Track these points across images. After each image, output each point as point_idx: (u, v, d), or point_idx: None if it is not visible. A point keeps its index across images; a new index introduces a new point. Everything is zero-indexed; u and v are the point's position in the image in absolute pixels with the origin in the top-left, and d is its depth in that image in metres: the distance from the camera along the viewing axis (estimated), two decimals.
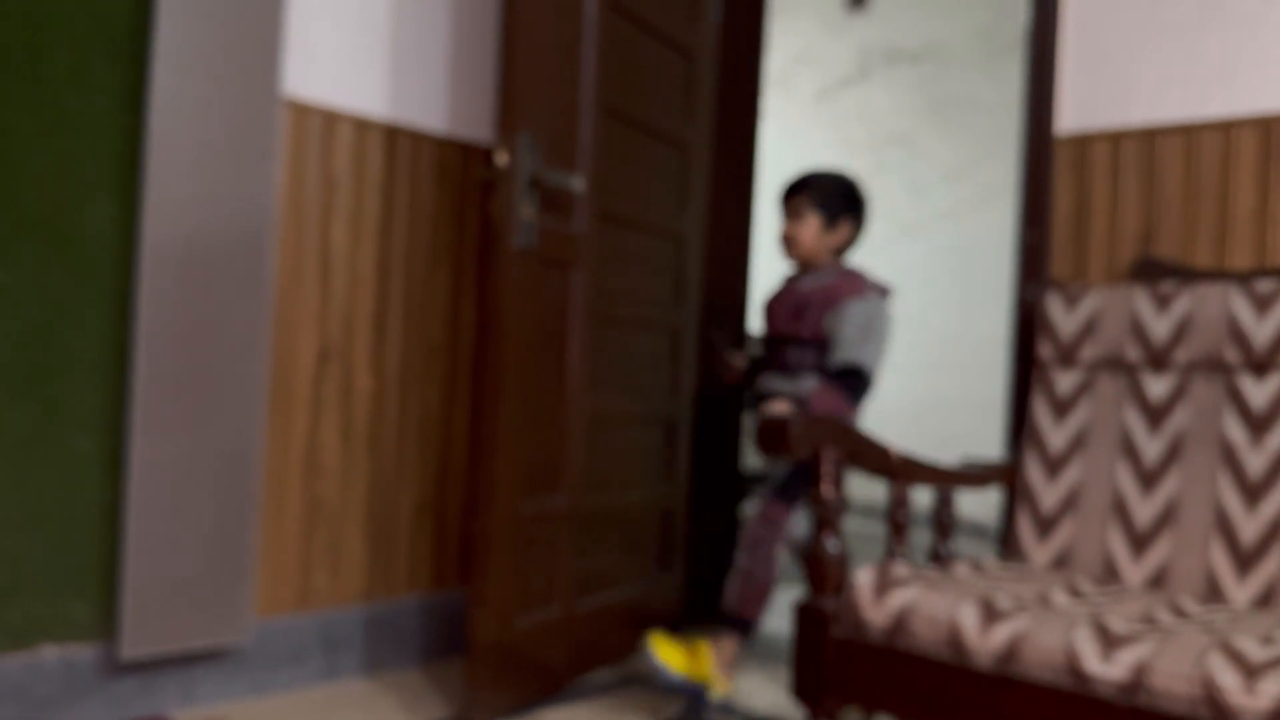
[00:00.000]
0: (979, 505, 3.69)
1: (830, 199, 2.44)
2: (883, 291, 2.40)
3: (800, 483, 2.35)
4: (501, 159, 2.09)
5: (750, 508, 2.44)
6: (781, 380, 2.44)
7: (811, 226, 2.43)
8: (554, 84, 2.20)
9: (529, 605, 2.23)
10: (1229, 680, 1.32)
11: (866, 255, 5.78)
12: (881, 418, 5.44)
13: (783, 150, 5.48)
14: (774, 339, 2.49)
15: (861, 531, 4.23)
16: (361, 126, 2.37)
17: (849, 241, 2.48)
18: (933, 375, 5.52)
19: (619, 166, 2.42)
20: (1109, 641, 1.43)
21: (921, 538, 2.11)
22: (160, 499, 2.03)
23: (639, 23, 2.51)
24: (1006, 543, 2.09)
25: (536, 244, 2.16)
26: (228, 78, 2.10)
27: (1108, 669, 1.41)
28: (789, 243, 2.47)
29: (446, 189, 2.55)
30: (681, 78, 2.76)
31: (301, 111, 2.27)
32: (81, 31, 1.96)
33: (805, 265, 2.48)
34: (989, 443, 4.59)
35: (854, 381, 2.31)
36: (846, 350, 2.31)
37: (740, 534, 2.48)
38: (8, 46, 1.88)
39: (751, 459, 3.39)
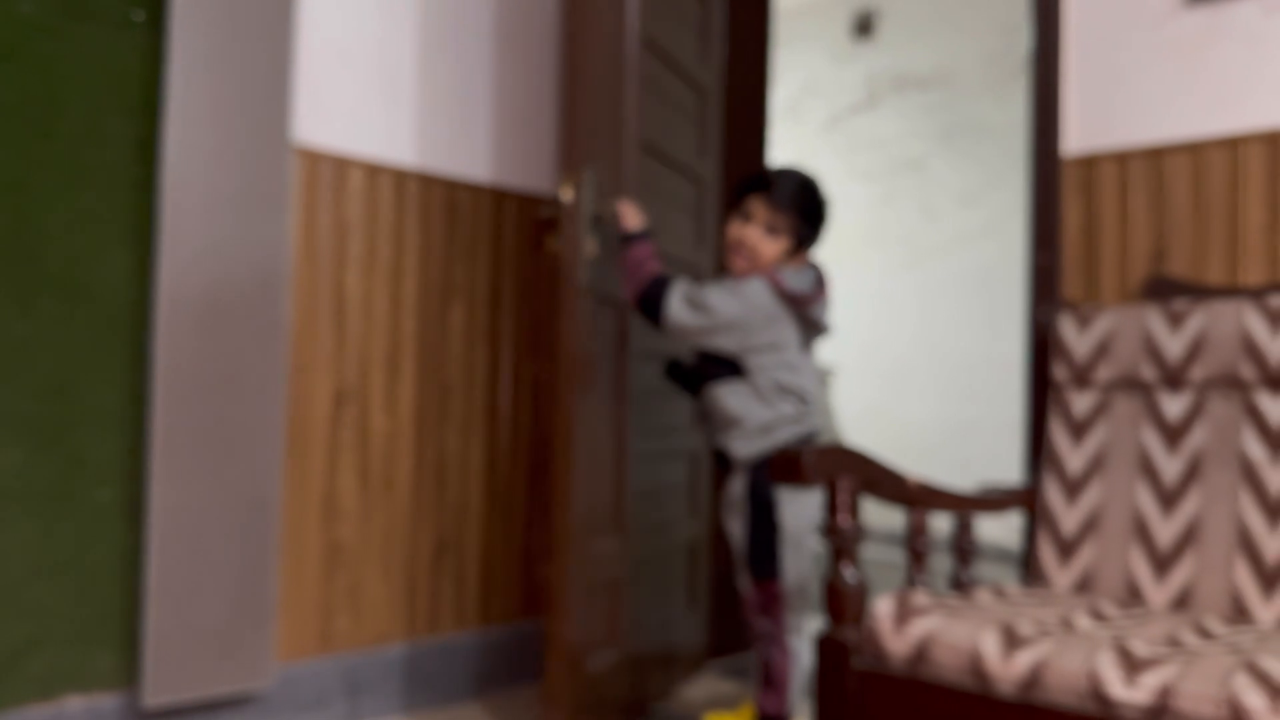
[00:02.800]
0: (1002, 529, 3.66)
1: (810, 223, 2.22)
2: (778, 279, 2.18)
3: (762, 542, 2.20)
4: (567, 195, 2.08)
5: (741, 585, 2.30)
6: (703, 392, 2.26)
7: (780, 246, 2.20)
8: (605, 121, 2.22)
9: (595, 648, 2.21)
10: (1255, 701, 1.30)
11: (884, 282, 5.81)
12: (902, 443, 5.44)
13: None
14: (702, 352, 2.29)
15: (884, 559, 4.20)
16: (372, 171, 2.40)
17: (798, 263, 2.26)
18: (953, 400, 5.50)
19: (650, 201, 2.43)
20: (1132, 665, 1.41)
21: (943, 563, 2.09)
22: (180, 547, 2.04)
23: (666, 59, 2.54)
24: (1028, 567, 2.07)
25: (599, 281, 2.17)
26: (239, 127, 2.13)
27: (1132, 693, 1.39)
28: (746, 251, 2.21)
29: (458, 230, 2.57)
30: (695, 112, 2.79)
31: (313, 159, 2.30)
32: (95, 86, 2.00)
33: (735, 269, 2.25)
34: (1011, 466, 4.56)
35: (658, 289, 2.14)
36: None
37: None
38: (25, 104, 1.92)
39: None
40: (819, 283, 2.23)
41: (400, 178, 2.46)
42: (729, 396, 2.19)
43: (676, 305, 2.13)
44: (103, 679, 1.99)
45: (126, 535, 2.02)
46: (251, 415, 2.13)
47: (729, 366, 2.20)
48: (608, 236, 2.21)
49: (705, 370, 2.24)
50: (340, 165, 2.35)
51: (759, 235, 2.20)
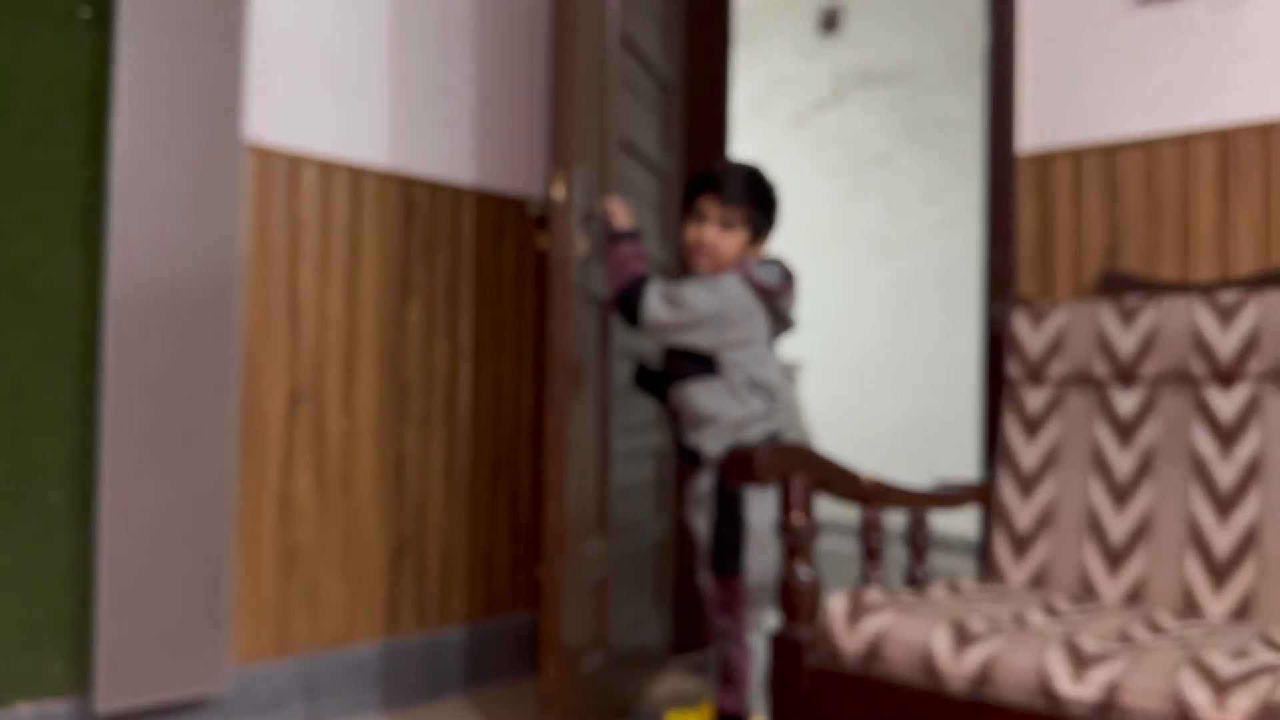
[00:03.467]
0: (964, 521, 3.68)
1: (763, 211, 2.24)
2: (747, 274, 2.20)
3: (726, 539, 2.20)
4: (559, 192, 2.07)
5: (702, 580, 2.29)
6: (673, 391, 2.27)
7: (738, 240, 2.22)
8: (591, 120, 2.21)
9: (586, 649, 2.21)
10: (1199, 696, 1.31)
11: (850, 277, 5.83)
12: (867, 437, 5.46)
13: None
14: (669, 349, 2.28)
15: (845, 551, 4.21)
16: (327, 169, 2.38)
17: (760, 253, 2.29)
18: (915, 394, 5.53)
19: (623, 198, 2.42)
20: (1081, 661, 1.42)
21: (903, 555, 2.10)
22: (133, 549, 2.02)
23: (638, 55, 2.54)
24: (984, 562, 2.08)
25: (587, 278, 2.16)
26: (190, 125, 2.11)
27: (1080, 689, 1.40)
28: (705, 250, 2.22)
29: (415, 228, 2.55)
30: (659, 107, 2.80)
31: (265, 156, 2.27)
32: (42, 85, 1.97)
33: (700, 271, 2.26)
34: (972, 460, 4.58)
35: (638, 288, 2.15)
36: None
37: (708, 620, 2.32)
38: None
39: None
40: (786, 277, 2.26)
41: (355, 175, 2.44)
42: (702, 395, 2.20)
43: (654, 303, 2.14)
44: (53, 685, 1.97)
45: (77, 538, 1.99)
46: (204, 416, 2.11)
47: (700, 364, 2.20)
48: (595, 235, 2.21)
49: (676, 369, 2.25)
50: (293, 163, 2.32)
51: (716, 233, 2.21)
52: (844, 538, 4.61)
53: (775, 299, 2.22)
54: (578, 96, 2.11)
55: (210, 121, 2.13)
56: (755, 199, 2.23)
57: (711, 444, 2.20)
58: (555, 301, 2.08)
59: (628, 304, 2.17)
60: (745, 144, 5.42)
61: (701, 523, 2.24)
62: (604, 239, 2.25)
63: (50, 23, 1.98)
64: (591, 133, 2.20)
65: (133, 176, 2.03)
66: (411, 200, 2.55)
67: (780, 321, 2.28)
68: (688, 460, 2.28)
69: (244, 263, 2.22)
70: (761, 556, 2.20)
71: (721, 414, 2.19)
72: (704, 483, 2.23)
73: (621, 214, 2.25)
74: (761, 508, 2.18)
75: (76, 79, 2.01)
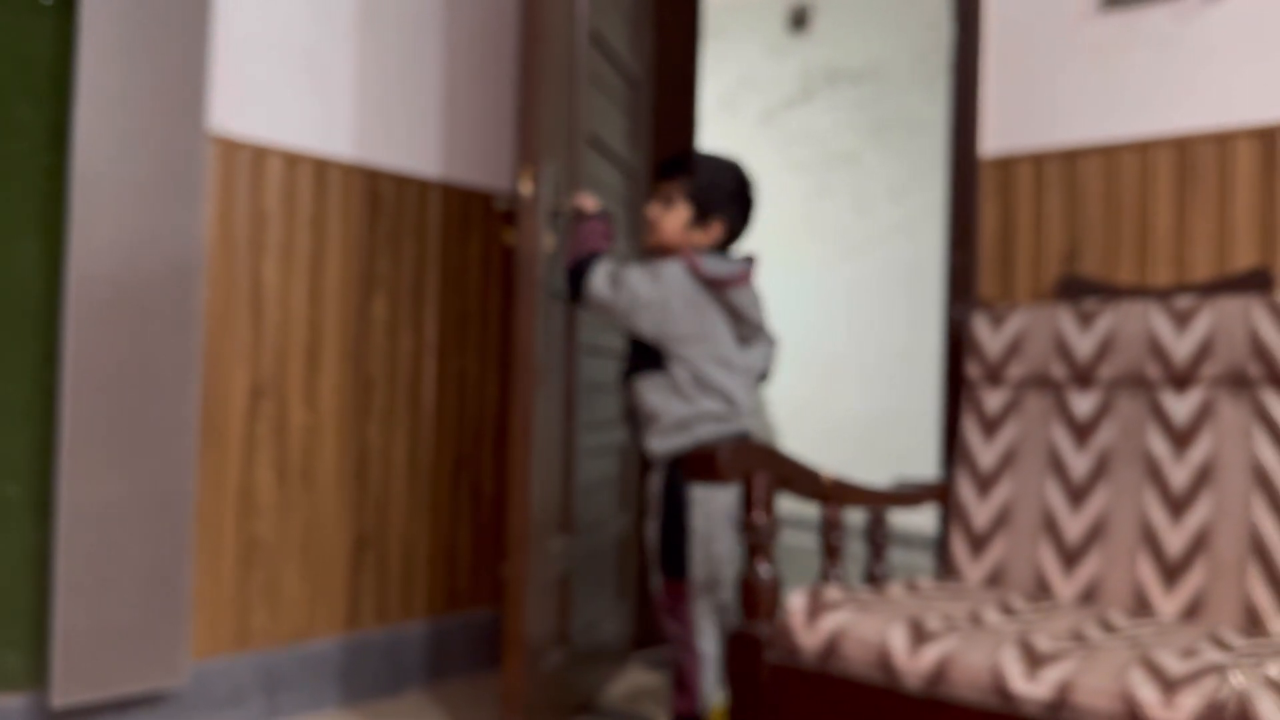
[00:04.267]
0: (925, 517, 3.72)
1: (707, 191, 2.21)
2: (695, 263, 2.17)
3: (672, 541, 2.20)
4: (526, 188, 2.07)
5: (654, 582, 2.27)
6: (626, 385, 2.27)
7: (678, 217, 2.21)
8: (560, 116, 2.21)
9: (549, 646, 2.21)
10: (1148, 695, 1.34)
11: (819, 275, 5.85)
12: (829, 434, 5.49)
13: None
14: (632, 343, 2.27)
15: (806, 546, 4.24)
16: (291, 160, 2.37)
17: (723, 243, 2.25)
18: (879, 392, 5.57)
19: (591, 194, 2.42)
20: (1034, 660, 1.45)
21: (863, 551, 2.12)
22: (90, 543, 2.00)
23: (607, 53, 2.54)
24: (941, 561, 2.11)
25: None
26: (153, 115, 2.09)
27: (1033, 687, 1.42)
28: (648, 226, 2.26)
29: (381, 220, 2.54)
30: (628, 104, 2.79)
31: (229, 147, 2.26)
32: (2, 73, 1.94)
33: (654, 255, 2.26)
34: (934, 458, 4.63)
35: (589, 262, 2.15)
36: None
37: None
38: None
39: None
40: (742, 270, 2.20)
41: (320, 167, 2.42)
42: (647, 390, 2.19)
43: (599, 280, 2.13)
44: (9, 680, 1.95)
45: (34, 532, 1.98)
46: (164, 408, 2.10)
47: (650, 359, 2.19)
48: (561, 231, 2.21)
49: (631, 363, 2.24)
50: (258, 154, 2.31)
51: (657, 209, 2.24)
52: (803, 532, 4.63)
53: (724, 289, 2.16)
54: (546, 92, 2.11)
55: (174, 111, 2.11)
56: (688, 169, 2.22)
57: (655, 442, 2.19)
58: (521, 297, 2.08)
59: (575, 277, 2.15)
60: (714, 141, 5.42)
61: (651, 525, 2.24)
62: (571, 224, 2.24)
63: (10, 9, 1.95)
64: (560, 129, 2.20)
65: (94, 166, 2.01)
66: (377, 192, 2.54)
67: (739, 319, 2.20)
68: (646, 460, 2.28)
69: (206, 254, 2.21)
70: (706, 558, 2.17)
71: (664, 411, 2.16)
72: (654, 484, 2.22)
73: (590, 203, 2.24)
74: (706, 510, 2.16)
75: (37, 66, 1.98)
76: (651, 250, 2.26)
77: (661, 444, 2.18)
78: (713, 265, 2.17)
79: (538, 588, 2.11)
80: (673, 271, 2.15)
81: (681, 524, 2.18)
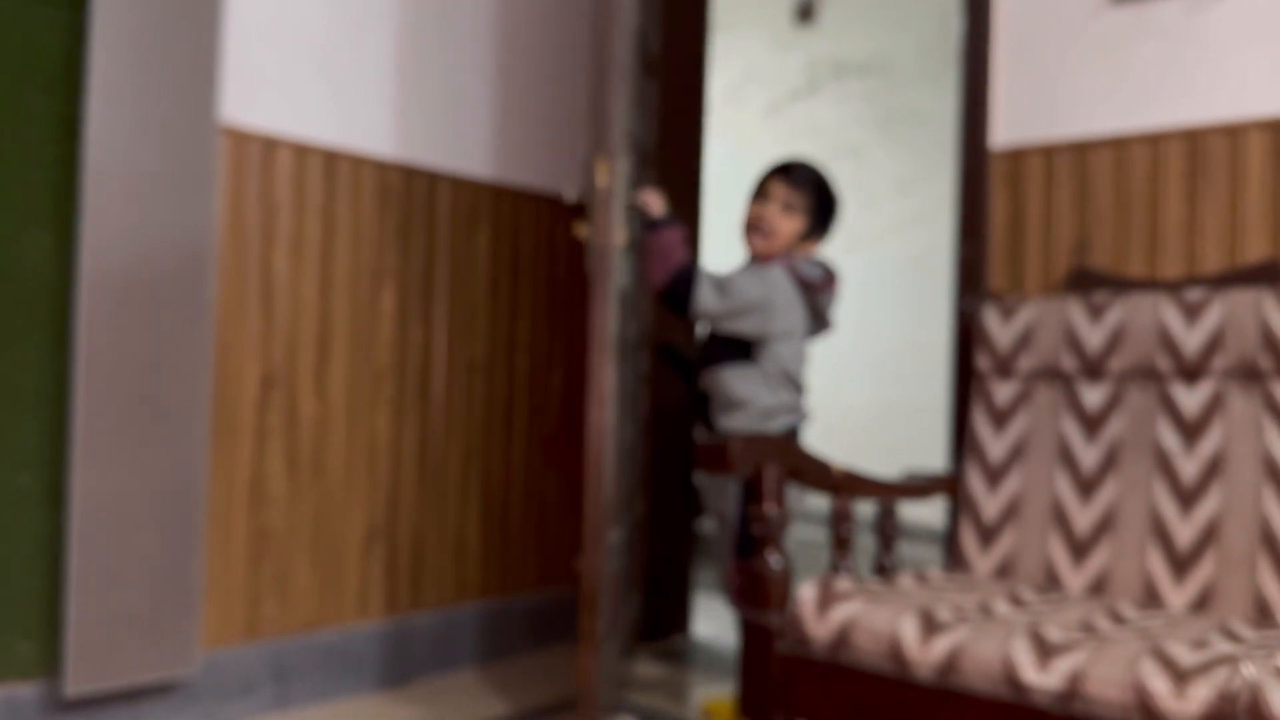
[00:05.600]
0: (932, 511, 3.72)
1: (827, 209, 2.36)
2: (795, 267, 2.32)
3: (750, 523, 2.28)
4: (602, 178, 2.09)
5: (708, 526, 2.39)
6: (707, 374, 2.35)
7: (795, 226, 2.33)
8: (627, 109, 2.22)
9: (609, 640, 2.21)
10: (1159, 686, 1.34)
11: None
12: (837, 426, 5.49)
13: (735, 165, 5.52)
14: (713, 335, 2.38)
15: (811, 539, 4.25)
16: (301, 152, 2.37)
17: (806, 256, 2.39)
18: (886, 385, 5.57)
19: None
20: (1045, 650, 1.45)
21: (872, 544, 2.13)
22: (103, 532, 2.01)
23: (642, 47, 2.55)
24: (950, 552, 2.11)
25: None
26: (163, 106, 2.09)
27: (1044, 678, 1.43)
28: (761, 228, 2.33)
29: (390, 212, 2.55)
30: (641, 94, 2.79)
31: (240, 138, 2.26)
32: (13, 62, 1.95)
33: (756, 258, 2.37)
34: (942, 451, 4.63)
35: (688, 277, 2.24)
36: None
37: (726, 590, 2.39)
38: None
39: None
40: (828, 274, 2.36)
41: (330, 158, 2.43)
42: (736, 380, 2.29)
43: (707, 292, 2.24)
44: (22, 668, 1.96)
45: (47, 521, 1.98)
46: (176, 398, 2.10)
47: (737, 351, 2.29)
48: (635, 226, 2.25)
49: (714, 354, 2.33)
50: (268, 145, 2.31)
51: (776, 212, 2.34)
52: (813, 526, 4.64)
53: (816, 294, 2.33)
54: (617, 87, 2.13)
55: (185, 101, 2.12)
56: (819, 188, 2.36)
57: (741, 428, 2.29)
58: (597, 290, 2.09)
59: (677, 293, 2.26)
60: (721, 132, 5.42)
61: (731, 508, 2.31)
62: (641, 227, 2.32)
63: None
64: (627, 123, 2.21)
65: (106, 156, 2.01)
66: (386, 184, 2.54)
67: (818, 319, 2.38)
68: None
69: (218, 245, 2.21)
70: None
71: (753, 400, 2.28)
72: None
73: (656, 202, 2.33)
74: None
75: (49, 56, 1.99)
76: (760, 254, 2.35)
77: (748, 430, 2.28)
78: (808, 269, 2.33)
79: (607, 580, 2.13)
80: (776, 274, 2.29)
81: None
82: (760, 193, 2.36)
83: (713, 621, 3.19)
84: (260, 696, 2.30)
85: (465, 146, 2.72)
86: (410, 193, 2.59)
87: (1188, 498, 1.86)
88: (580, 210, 2.24)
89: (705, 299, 2.24)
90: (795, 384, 2.33)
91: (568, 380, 2.99)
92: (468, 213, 2.72)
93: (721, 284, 2.25)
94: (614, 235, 2.09)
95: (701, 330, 2.44)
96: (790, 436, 2.32)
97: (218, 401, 2.22)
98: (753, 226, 2.35)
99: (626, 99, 2.17)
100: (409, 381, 2.60)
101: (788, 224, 2.33)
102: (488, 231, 2.78)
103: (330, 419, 2.43)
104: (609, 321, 2.08)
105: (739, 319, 2.26)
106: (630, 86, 2.25)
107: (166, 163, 2.09)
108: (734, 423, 2.29)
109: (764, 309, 2.25)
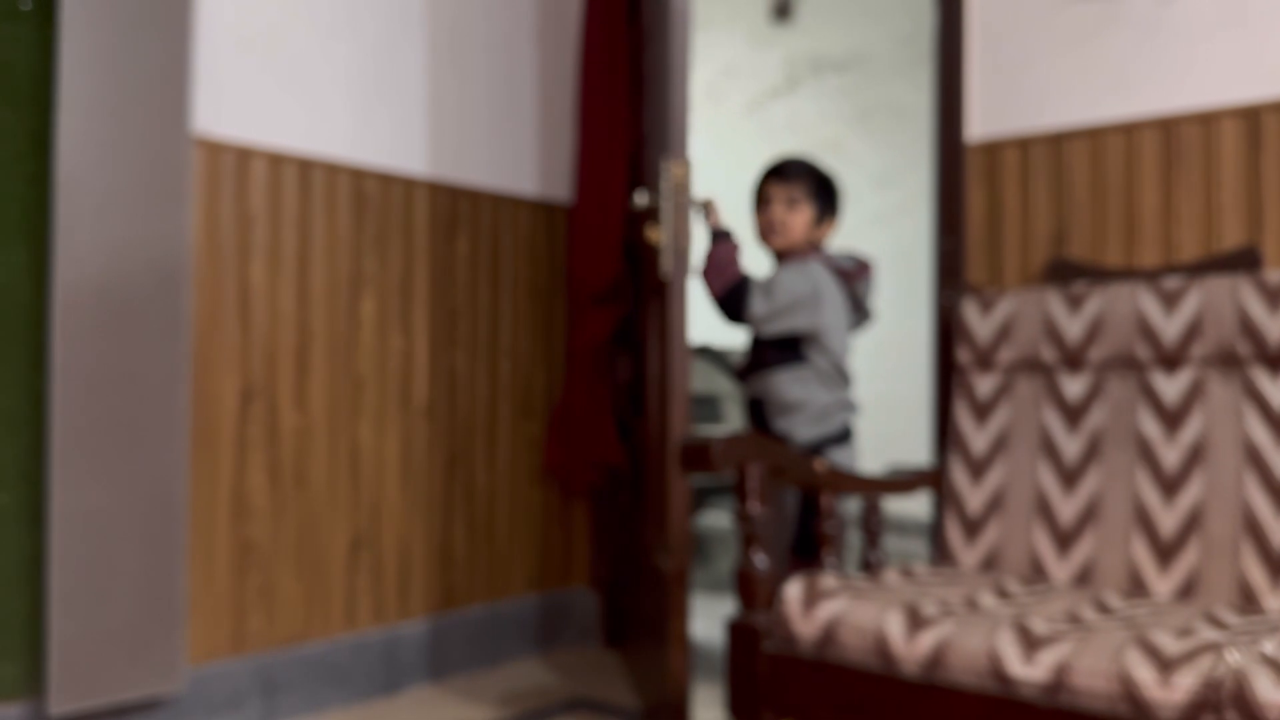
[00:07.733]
0: (917, 503, 3.73)
1: (823, 193, 2.43)
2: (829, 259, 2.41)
3: (810, 521, 2.29)
4: (679, 174, 2.12)
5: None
6: (757, 379, 2.40)
7: (804, 217, 2.40)
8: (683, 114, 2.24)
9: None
10: (1145, 674, 1.34)
11: None
12: None
13: (715, 162, 5.52)
14: (756, 338, 2.43)
15: None
16: (275, 161, 2.36)
17: (825, 240, 2.47)
18: (870, 379, 5.56)
19: None
20: (1030, 643, 1.45)
21: (860, 538, 2.13)
22: (84, 550, 1.99)
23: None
24: (936, 546, 2.11)
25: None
26: (136, 119, 2.08)
27: (1030, 670, 1.43)
28: (776, 228, 2.41)
29: (367, 220, 2.54)
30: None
31: (213, 149, 2.25)
32: None
33: (781, 257, 2.43)
34: (925, 443, 4.64)
35: (741, 290, 2.33)
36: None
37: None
38: None
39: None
40: (861, 264, 2.43)
41: (305, 167, 2.41)
42: (791, 384, 2.34)
43: (757, 301, 2.31)
44: (6, 689, 1.94)
45: (27, 539, 1.97)
46: (155, 413, 2.09)
47: (788, 353, 2.34)
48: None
49: (764, 358, 2.37)
50: (242, 155, 2.30)
51: (783, 211, 2.40)
52: None
53: (852, 282, 2.40)
54: (677, 92, 2.15)
55: (157, 114, 2.10)
56: (811, 174, 2.42)
57: (802, 430, 2.33)
58: (674, 291, 2.10)
59: (732, 305, 2.33)
60: (700, 130, 5.42)
61: (790, 505, 2.34)
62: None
63: None
64: (680, 128, 2.22)
65: (78, 170, 2.00)
66: (362, 192, 2.53)
67: (859, 310, 2.44)
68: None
69: (193, 257, 2.20)
70: None
71: (810, 401, 2.34)
72: None
73: (717, 214, 2.41)
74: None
75: (17, 72, 1.97)
76: (781, 252, 2.42)
77: (808, 432, 2.34)
78: (841, 260, 2.39)
79: (680, 586, 2.13)
80: (815, 267, 2.36)
81: (818, 507, 2.22)
82: (761, 199, 2.43)
83: (711, 622, 3.18)
84: (248, 710, 2.28)
85: (441, 152, 2.70)
86: (387, 200, 2.58)
87: (1170, 486, 1.86)
88: (647, 215, 2.28)
89: (756, 305, 2.31)
90: (846, 377, 2.39)
91: (550, 385, 2.98)
92: (446, 219, 2.71)
93: (766, 287, 2.32)
94: (689, 238, 2.13)
95: (745, 335, 2.49)
96: (844, 435, 2.38)
97: (197, 415, 2.21)
98: (766, 232, 2.42)
99: (686, 102, 2.19)
100: (390, 390, 2.58)
101: (798, 217, 2.39)
102: (467, 237, 2.77)
103: (311, 429, 2.42)
104: (686, 324, 2.12)
105: (790, 316, 2.32)
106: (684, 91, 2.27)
107: (139, 176, 2.07)
108: (795, 425, 2.34)
109: (813, 302, 2.31)
